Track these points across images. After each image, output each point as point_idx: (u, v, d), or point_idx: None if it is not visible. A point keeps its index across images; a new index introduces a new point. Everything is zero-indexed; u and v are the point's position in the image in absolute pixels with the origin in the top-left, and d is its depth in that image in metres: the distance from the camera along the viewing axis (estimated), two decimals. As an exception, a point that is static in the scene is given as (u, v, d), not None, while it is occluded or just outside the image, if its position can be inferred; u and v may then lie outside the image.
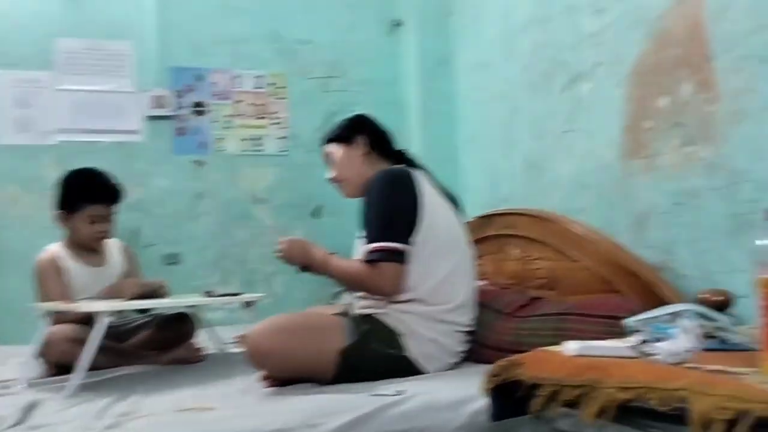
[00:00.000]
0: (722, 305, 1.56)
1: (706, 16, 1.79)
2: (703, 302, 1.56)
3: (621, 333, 1.22)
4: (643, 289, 1.81)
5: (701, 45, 1.81)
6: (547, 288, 2.10)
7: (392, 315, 1.71)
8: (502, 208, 2.42)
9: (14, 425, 1.40)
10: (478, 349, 1.81)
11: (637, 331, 1.14)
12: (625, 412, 0.95)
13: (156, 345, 2.16)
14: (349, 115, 1.98)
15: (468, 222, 2.25)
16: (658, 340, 1.06)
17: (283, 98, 3.15)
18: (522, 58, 2.48)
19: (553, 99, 2.33)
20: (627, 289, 1.85)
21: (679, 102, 1.87)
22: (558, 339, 1.23)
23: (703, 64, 1.80)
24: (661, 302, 1.58)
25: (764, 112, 1.66)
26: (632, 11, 2.01)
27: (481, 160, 2.75)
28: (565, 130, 2.28)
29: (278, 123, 3.14)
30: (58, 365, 1.93)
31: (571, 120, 2.26)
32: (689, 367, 0.98)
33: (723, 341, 1.14)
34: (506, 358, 1.14)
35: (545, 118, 2.38)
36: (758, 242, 1.00)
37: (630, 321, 1.16)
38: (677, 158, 1.88)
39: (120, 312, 2.15)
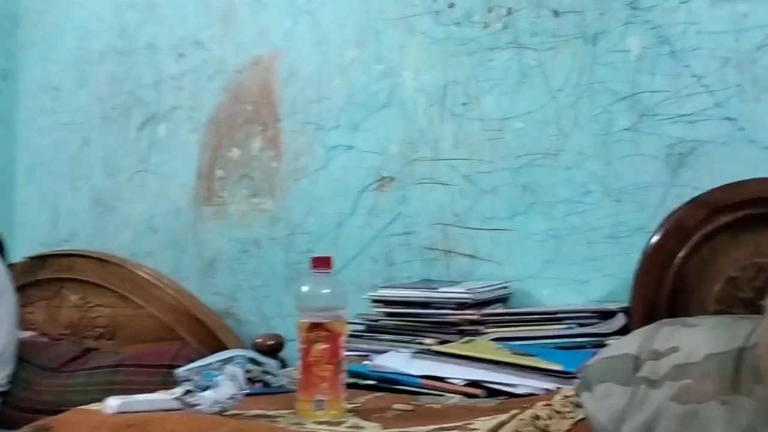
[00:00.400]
0: (274, 349, 1.67)
1: (277, 81, 1.96)
2: (257, 347, 1.64)
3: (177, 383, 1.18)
4: (208, 336, 1.82)
5: (271, 106, 1.96)
6: (107, 337, 1.94)
7: None
8: (61, 248, 2.17)
9: None
10: (10, 412, 1.54)
11: (188, 380, 1.10)
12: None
13: None
14: None
15: (15, 263, 1.95)
16: (206, 388, 1.05)
17: None
18: (97, 87, 2.31)
19: (129, 135, 2.22)
20: (191, 337, 1.83)
21: (248, 155, 1.98)
22: (110, 394, 1.12)
23: (272, 123, 1.95)
24: (223, 348, 1.60)
25: (318, 173, 1.87)
26: (212, 62, 2.07)
27: (42, 192, 2.43)
28: (139, 170, 2.19)
29: None
30: None
31: (146, 160, 2.18)
32: (231, 415, 0.99)
33: (267, 385, 1.19)
34: (34, 423, 0.98)
35: (119, 154, 2.24)
36: (302, 288, 1.08)
37: (181, 370, 1.13)
38: (245, 208, 1.97)
39: None
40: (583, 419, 1.07)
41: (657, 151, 1.48)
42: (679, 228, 1.29)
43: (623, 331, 1.29)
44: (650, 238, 1.31)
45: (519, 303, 1.60)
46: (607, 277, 1.52)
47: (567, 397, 1.10)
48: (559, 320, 1.40)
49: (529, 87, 1.63)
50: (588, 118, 1.56)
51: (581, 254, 1.55)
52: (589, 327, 1.36)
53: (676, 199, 1.41)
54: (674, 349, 1.11)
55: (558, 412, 1.05)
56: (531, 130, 1.63)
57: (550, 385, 1.17)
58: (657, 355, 1.12)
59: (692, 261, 1.29)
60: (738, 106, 1.41)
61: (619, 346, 1.17)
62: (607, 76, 1.54)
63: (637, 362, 1.12)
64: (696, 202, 1.28)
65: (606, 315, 1.38)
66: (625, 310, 1.35)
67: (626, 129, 1.52)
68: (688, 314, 1.26)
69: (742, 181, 1.24)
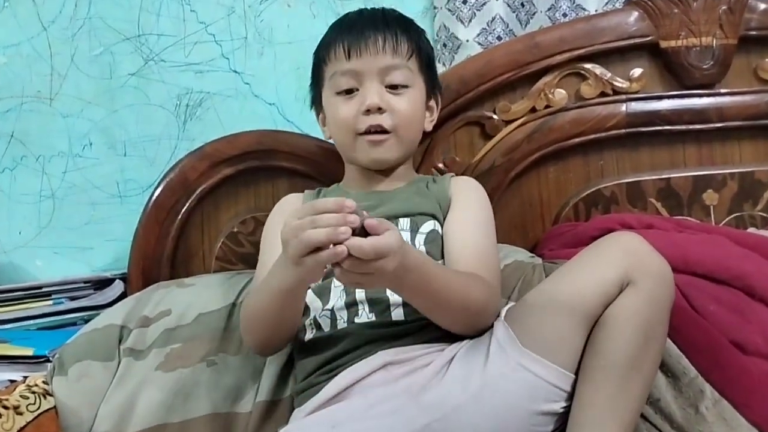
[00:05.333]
0: None
1: None
2: None
3: None
4: None
5: None
6: None
7: None
8: None
9: None
10: None
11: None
12: None
13: None
14: None
15: None
16: None
17: None
18: None
19: None
20: None
21: None
22: None
23: None
24: None
25: None
26: None
27: None
28: None
29: None
30: None
31: None
32: None
33: None
34: None
35: None
36: None
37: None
38: None
39: None
40: (49, 410, 0.91)
41: (165, 101, 1.41)
42: (181, 182, 1.22)
43: (121, 300, 1.17)
44: (151, 194, 1.22)
45: (6, 279, 1.34)
46: (112, 242, 1.39)
47: (32, 386, 0.92)
48: (46, 296, 1.21)
49: (12, 14, 1.37)
50: (88, 59, 1.39)
51: (83, 217, 1.39)
52: (81, 300, 1.22)
53: (186, 153, 1.34)
54: (166, 313, 1.06)
55: (14, 407, 0.86)
56: (17, 67, 1.38)
57: (16, 374, 0.98)
58: (147, 322, 1.04)
59: (195, 218, 1.24)
60: (243, 59, 1.42)
61: (105, 318, 1.06)
62: (109, 12, 1.39)
63: (122, 332, 1.03)
64: (197, 154, 1.23)
65: (102, 284, 1.26)
66: (124, 277, 1.23)
67: (132, 74, 1.40)
68: (190, 275, 1.22)
69: (240, 133, 1.24)
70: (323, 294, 0.92)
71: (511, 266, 1.08)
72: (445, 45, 1.41)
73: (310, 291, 0.93)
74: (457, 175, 1.17)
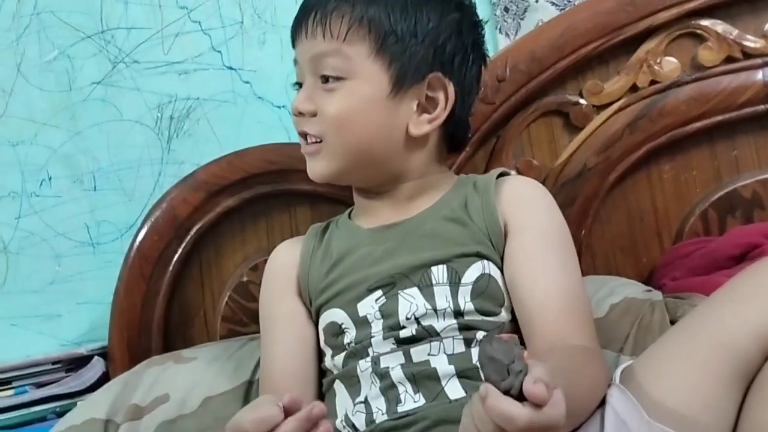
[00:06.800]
0: None
1: None
2: None
3: None
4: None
5: None
6: None
7: None
8: None
9: None
10: None
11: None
12: None
13: None
14: None
15: None
16: None
17: None
18: None
19: None
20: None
21: None
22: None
23: None
24: None
25: None
26: None
27: None
28: None
29: None
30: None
31: None
32: None
33: None
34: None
35: None
36: None
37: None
38: None
39: None
40: None
41: (143, 115, 1.42)
42: (170, 221, 1.23)
43: (103, 382, 1.18)
44: (133, 240, 1.23)
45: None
46: (85, 306, 1.41)
47: None
48: (6, 383, 1.24)
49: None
50: (39, 67, 1.41)
51: (46, 275, 1.41)
52: (51, 387, 1.24)
53: (174, 181, 1.36)
54: (162, 399, 1.07)
55: None
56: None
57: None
58: (138, 413, 1.06)
59: (192, 267, 1.26)
60: (240, 51, 1.43)
61: (84, 409, 1.08)
62: (62, 4, 1.41)
63: (108, 428, 1.05)
64: (189, 182, 1.25)
65: (77, 364, 1.27)
66: (104, 353, 1.25)
67: (97, 83, 1.42)
68: (190, 344, 1.23)
69: (243, 150, 1.25)
70: (352, 384, 0.89)
71: (621, 306, 1.05)
72: (506, 9, 1.40)
73: (337, 382, 0.91)
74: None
